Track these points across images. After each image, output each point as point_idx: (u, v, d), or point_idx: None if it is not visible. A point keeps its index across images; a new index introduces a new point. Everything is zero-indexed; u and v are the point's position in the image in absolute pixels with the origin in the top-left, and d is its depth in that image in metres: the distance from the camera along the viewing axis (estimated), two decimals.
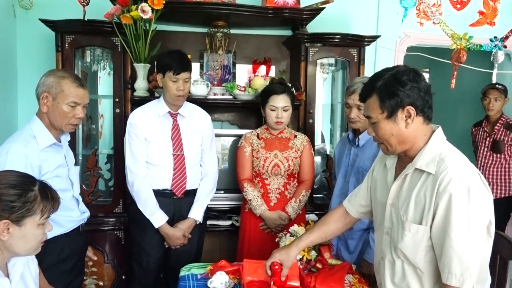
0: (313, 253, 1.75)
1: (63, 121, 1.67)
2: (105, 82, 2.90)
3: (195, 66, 2.86)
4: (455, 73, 3.02)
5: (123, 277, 2.63)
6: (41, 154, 1.63)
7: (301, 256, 1.74)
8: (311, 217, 2.58)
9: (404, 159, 1.36)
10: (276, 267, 1.55)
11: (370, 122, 1.34)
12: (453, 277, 1.18)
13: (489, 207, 1.22)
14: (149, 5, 2.31)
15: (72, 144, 2.30)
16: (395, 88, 1.24)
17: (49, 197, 1.19)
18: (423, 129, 1.29)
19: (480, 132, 3.32)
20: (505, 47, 3.11)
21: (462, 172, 1.20)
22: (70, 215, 1.76)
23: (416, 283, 1.30)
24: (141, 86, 2.55)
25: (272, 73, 2.94)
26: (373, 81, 1.30)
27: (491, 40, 3.09)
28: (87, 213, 1.87)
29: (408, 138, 1.28)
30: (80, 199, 1.84)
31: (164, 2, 2.32)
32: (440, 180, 1.20)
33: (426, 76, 5.29)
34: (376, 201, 1.48)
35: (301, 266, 1.69)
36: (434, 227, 1.22)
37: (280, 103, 2.22)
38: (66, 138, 1.81)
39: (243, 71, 2.99)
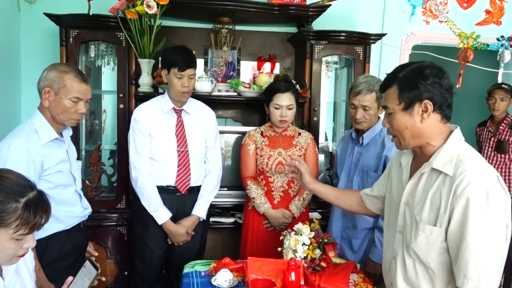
0: (318, 252, 1.74)
1: (65, 116, 1.65)
2: (108, 77, 2.89)
3: (200, 62, 2.85)
4: (462, 72, 3.00)
5: (126, 273, 2.63)
6: (43, 149, 1.60)
7: (305, 255, 1.73)
8: (315, 215, 2.57)
9: (420, 158, 1.33)
10: (293, 263, 1.55)
11: (386, 113, 1.33)
12: (469, 282, 1.15)
13: (507, 210, 1.19)
14: (155, 0, 2.29)
15: (75, 139, 2.29)
16: (416, 81, 1.23)
17: (31, 215, 1.07)
18: (440, 127, 1.27)
19: (485, 132, 3.31)
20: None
21: (480, 175, 1.18)
22: (72, 210, 1.74)
23: (427, 282, 1.28)
24: (145, 81, 2.54)
25: (277, 70, 2.92)
26: (396, 72, 1.30)
27: (497, 39, 3.07)
28: (89, 210, 1.85)
29: (423, 134, 1.26)
30: (82, 194, 1.83)
31: None
32: (457, 182, 1.18)
33: None
34: (391, 200, 1.46)
35: (305, 265, 1.68)
36: (451, 230, 1.20)
37: (284, 102, 2.21)
38: (68, 132, 1.79)
39: (247, 68, 2.97)
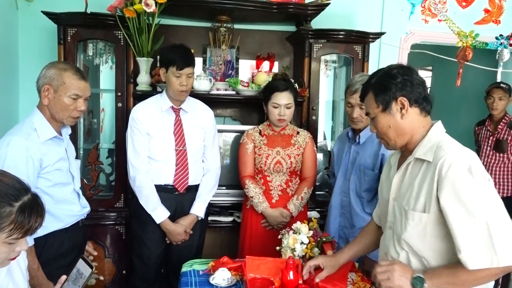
0: (316, 251, 1.74)
1: (65, 113, 1.65)
2: (107, 76, 2.88)
3: (198, 61, 2.84)
4: (461, 71, 3.00)
5: (124, 272, 2.62)
6: (42, 147, 1.61)
7: (304, 254, 1.73)
8: (313, 214, 2.57)
9: (406, 153, 1.38)
10: (291, 262, 1.54)
11: (370, 119, 1.40)
12: (488, 257, 1.13)
13: (492, 185, 1.21)
14: None
15: (73, 138, 2.28)
16: (387, 82, 1.31)
17: (26, 219, 1.04)
18: (421, 121, 1.32)
19: (483, 131, 3.31)
20: (511, 45, 3.09)
21: (460, 155, 1.22)
22: (71, 209, 1.74)
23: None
24: (143, 80, 2.53)
25: (276, 69, 2.92)
26: (369, 79, 1.39)
27: (496, 38, 3.07)
28: (88, 208, 1.85)
29: (405, 129, 1.32)
30: (80, 193, 1.83)
31: None
32: (439, 166, 1.21)
33: (429, 74, 5.27)
34: (382, 199, 1.49)
35: (303, 264, 1.68)
36: (446, 215, 1.19)
37: (283, 100, 2.20)
38: (67, 131, 1.80)
39: (246, 67, 2.97)
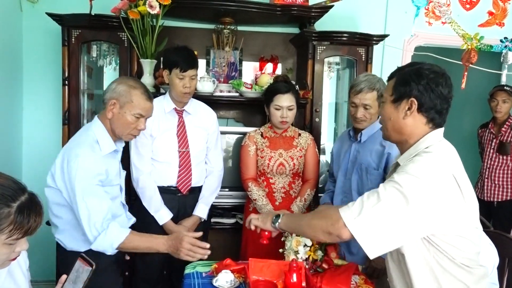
0: (319, 253, 1.74)
1: (125, 130, 1.66)
2: (110, 78, 2.88)
3: (202, 63, 2.85)
4: (466, 73, 3.00)
5: (126, 273, 2.61)
6: (104, 160, 1.63)
7: (307, 256, 1.73)
8: None
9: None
10: (294, 265, 1.55)
11: (382, 101, 1.41)
12: (346, 208, 1.23)
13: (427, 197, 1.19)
14: (157, 0, 2.29)
15: None
16: (411, 78, 1.28)
17: (25, 219, 1.03)
18: (423, 129, 1.30)
19: (487, 134, 3.29)
20: None
21: (419, 163, 1.21)
22: (119, 221, 1.72)
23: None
24: (147, 82, 2.53)
25: (279, 71, 2.92)
26: (404, 66, 1.37)
27: (501, 40, 3.07)
28: (133, 220, 1.85)
29: (403, 130, 1.31)
30: (127, 206, 1.84)
31: None
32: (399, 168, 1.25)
33: None
34: None
35: (307, 266, 1.68)
36: None
37: (285, 103, 2.20)
38: (121, 144, 1.79)
39: (249, 69, 2.97)
